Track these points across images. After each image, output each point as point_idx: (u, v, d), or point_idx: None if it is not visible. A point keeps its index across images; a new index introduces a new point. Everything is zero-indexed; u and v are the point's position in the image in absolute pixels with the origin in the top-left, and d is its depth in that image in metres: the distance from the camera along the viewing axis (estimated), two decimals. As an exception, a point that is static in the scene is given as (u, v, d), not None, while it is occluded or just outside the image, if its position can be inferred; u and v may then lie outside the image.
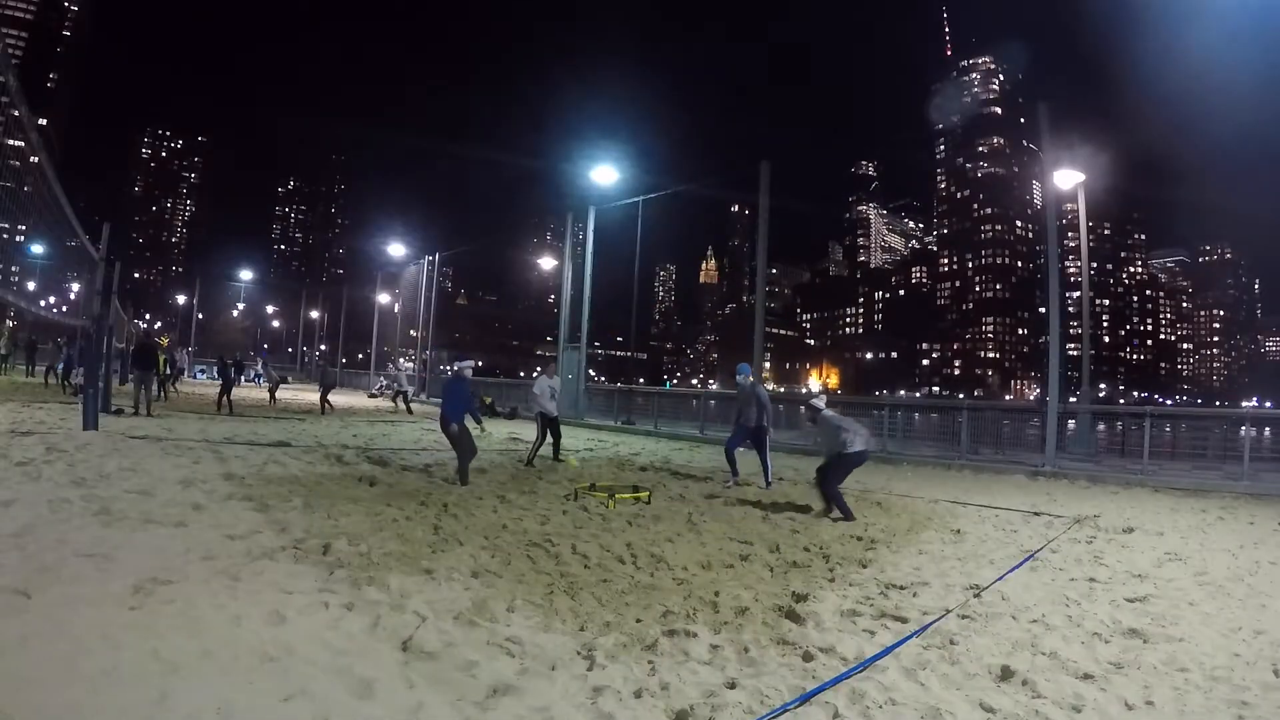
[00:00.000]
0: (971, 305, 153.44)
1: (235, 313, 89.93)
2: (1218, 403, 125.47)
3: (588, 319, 22.25)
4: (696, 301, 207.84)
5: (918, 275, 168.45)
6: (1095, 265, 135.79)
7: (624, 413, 19.94)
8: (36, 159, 7.72)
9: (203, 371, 37.90)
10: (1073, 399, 27.76)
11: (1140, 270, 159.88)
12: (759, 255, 17.79)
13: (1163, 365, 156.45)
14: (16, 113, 6.68)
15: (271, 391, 20.52)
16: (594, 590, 4.04)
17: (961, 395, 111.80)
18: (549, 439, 10.20)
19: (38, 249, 44.51)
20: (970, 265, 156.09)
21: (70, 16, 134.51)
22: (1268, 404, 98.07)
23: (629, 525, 5.94)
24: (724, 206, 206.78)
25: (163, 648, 2.79)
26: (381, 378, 35.03)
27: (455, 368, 9.11)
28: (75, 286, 47.87)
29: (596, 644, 3.21)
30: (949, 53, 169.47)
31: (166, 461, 7.55)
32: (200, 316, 57.60)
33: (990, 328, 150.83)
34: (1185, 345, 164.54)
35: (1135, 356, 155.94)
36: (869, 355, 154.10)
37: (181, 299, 74.01)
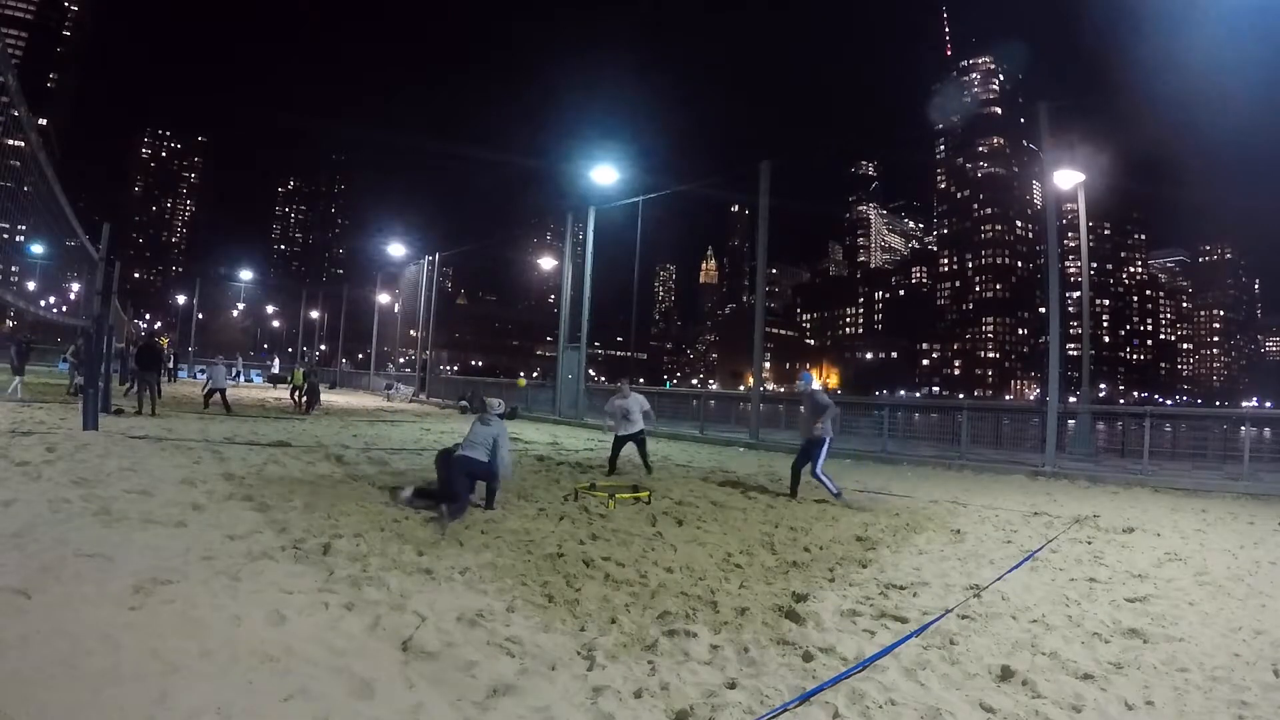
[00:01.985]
0: (971, 305, 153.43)
1: (235, 313, 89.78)
2: (1218, 403, 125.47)
3: (588, 319, 22.25)
4: (696, 301, 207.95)
5: (918, 275, 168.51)
6: (1095, 265, 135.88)
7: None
8: (37, 159, 7.71)
9: (203, 372, 37.97)
10: (1073, 399, 27.77)
11: (1140, 270, 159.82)
12: (759, 255, 17.78)
13: (1163, 365, 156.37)
14: (16, 113, 6.67)
15: (298, 395, 18.59)
16: (594, 590, 4.04)
17: (961, 395, 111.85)
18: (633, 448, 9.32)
19: (38, 249, 44.42)
20: (970, 265, 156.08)
21: (70, 16, 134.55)
22: (1268, 404, 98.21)
23: (629, 525, 5.93)
24: (724, 206, 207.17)
25: (163, 648, 2.79)
26: (384, 380, 35.60)
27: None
28: (75, 286, 47.86)
29: (596, 644, 3.21)
30: (949, 53, 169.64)
31: (166, 461, 7.54)
32: (200, 316, 57.50)
33: (990, 328, 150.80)
34: (1185, 345, 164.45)
35: (1135, 356, 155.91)
36: (869, 355, 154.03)
37: (181, 299, 73.94)
